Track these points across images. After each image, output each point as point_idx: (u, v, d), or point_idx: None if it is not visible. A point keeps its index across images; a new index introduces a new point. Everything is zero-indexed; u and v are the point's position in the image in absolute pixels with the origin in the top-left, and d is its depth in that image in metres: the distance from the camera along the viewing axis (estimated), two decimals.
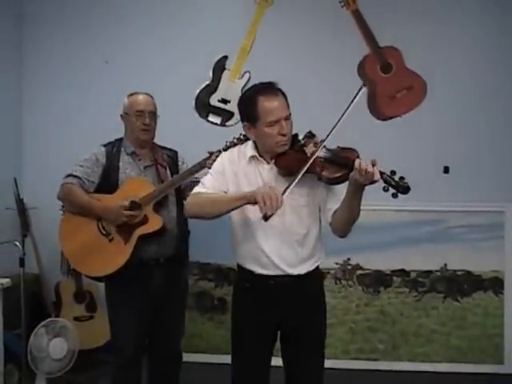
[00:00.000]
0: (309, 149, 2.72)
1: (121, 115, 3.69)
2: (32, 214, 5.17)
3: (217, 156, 3.13)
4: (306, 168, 2.65)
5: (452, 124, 5.02)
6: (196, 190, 2.88)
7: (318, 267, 2.95)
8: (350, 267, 5.01)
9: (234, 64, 5.16)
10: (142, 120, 3.59)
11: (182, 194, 3.59)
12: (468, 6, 5.03)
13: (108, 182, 3.55)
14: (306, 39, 5.09)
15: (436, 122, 5.01)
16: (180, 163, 3.77)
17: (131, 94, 3.70)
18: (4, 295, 3.68)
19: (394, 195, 2.49)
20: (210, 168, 3.06)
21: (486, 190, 4.93)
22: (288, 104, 2.80)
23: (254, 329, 2.91)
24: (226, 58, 5.17)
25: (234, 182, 2.86)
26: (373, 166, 2.45)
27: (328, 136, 2.69)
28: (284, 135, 2.73)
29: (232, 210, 2.74)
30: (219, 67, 5.17)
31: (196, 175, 3.54)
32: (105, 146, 3.66)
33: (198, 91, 5.19)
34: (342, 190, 2.69)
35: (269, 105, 2.72)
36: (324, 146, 2.70)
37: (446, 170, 5.03)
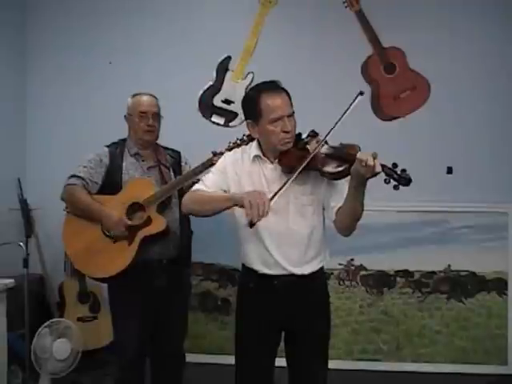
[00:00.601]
0: (311, 146, 2.72)
1: (125, 116, 3.69)
2: (36, 215, 5.17)
3: (220, 157, 3.13)
4: (303, 166, 2.65)
5: (455, 125, 5.02)
6: (195, 187, 2.91)
7: (322, 267, 2.95)
8: (353, 268, 5.01)
9: (238, 65, 5.16)
10: (145, 121, 3.58)
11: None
12: (470, 8, 5.03)
13: (111, 182, 3.55)
14: (310, 40, 5.10)
15: (439, 122, 5.01)
16: (183, 164, 3.76)
17: (135, 95, 3.69)
18: (8, 296, 3.68)
19: (396, 187, 2.49)
20: None
21: (490, 190, 4.92)
22: (291, 102, 2.80)
23: (258, 329, 2.91)
24: (229, 58, 5.17)
25: (236, 181, 2.87)
26: (374, 158, 2.45)
27: (329, 133, 2.70)
28: (287, 132, 2.73)
29: (223, 209, 2.76)
30: (223, 68, 5.18)
31: (199, 176, 3.53)
32: (108, 146, 3.66)
33: (201, 92, 5.20)
34: (345, 187, 2.69)
35: (272, 102, 2.73)
36: (326, 143, 2.71)
37: (450, 170, 5.03)
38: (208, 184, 2.88)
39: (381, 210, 4.90)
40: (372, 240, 4.92)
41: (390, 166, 2.50)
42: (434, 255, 4.94)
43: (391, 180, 2.48)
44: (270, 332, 2.91)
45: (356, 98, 2.70)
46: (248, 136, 3.11)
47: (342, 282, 5.01)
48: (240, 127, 3.00)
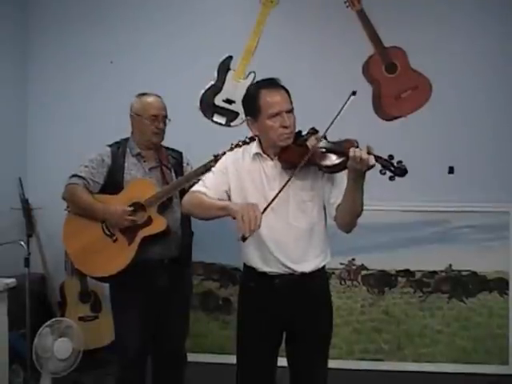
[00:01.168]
0: (310, 143, 2.74)
1: (131, 115, 3.67)
2: (37, 214, 5.18)
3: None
4: (300, 165, 2.67)
5: (457, 124, 5.02)
6: (195, 187, 2.93)
7: (324, 267, 2.94)
8: (354, 267, 5.01)
9: (239, 64, 5.16)
10: (155, 124, 3.58)
11: None
12: (471, 7, 5.03)
13: (113, 182, 3.55)
14: (311, 39, 5.10)
15: (441, 122, 5.01)
16: (185, 164, 3.76)
17: (141, 95, 3.67)
18: (9, 295, 3.68)
19: (391, 178, 2.50)
20: None
21: (491, 190, 4.92)
22: (291, 100, 2.83)
23: (259, 329, 2.91)
24: (230, 58, 5.17)
25: (237, 179, 2.89)
26: (368, 151, 2.46)
27: (327, 130, 2.71)
28: (286, 127, 2.75)
29: (218, 217, 2.78)
30: (224, 67, 5.18)
31: (201, 177, 3.53)
32: (110, 146, 3.65)
33: (202, 91, 5.20)
34: (345, 183, 2.70)
35: (270, 98, 2.77)
36: (325, 139, 2.72)
37: (451, 170, 5.03)
38: (208, 184, 2.90)
39: (382, 210, 4.91)
40: (373, 240, 4.92)
41: (386, 157, 2.50)
42: (435, 255, 4.94)
43: (387, 171, 2.48)
44: (270, 332, 2.91)
45: (349, 98, 2.70)
46: (250, 138, 3.11)
47: (343, 282, 5.01)
48: (241, 127, 3.00)
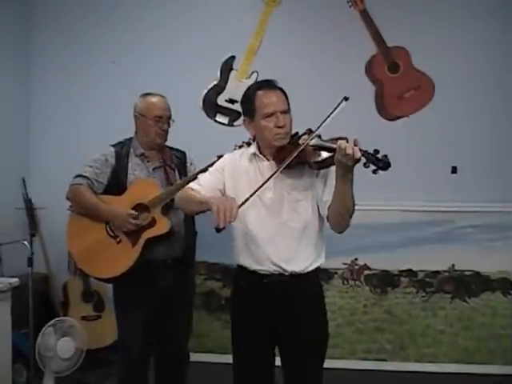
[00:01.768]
0: (302, 141, 2.75)
1: (135, 115, 3.66)
2: (40, 214, 5.19)
3: None
4: (290, 160, 2.68)
5: (459, 124, 5.02)
6: (190, 185, 2.95)
7: (317, 269, 2.92)
8: (357, 267, 5.01)
9: (242, 64, 5.17)
10: (160, 125, 3.58)
11: None
12: (474, 7, 5.03)
13: (116, 182, 3.54)
14: (314, 39, 5.10)
15: (444, 121, 5.01)
16: (188, 165, 3.75)
17: (146, 95, 3.66)
18: (12, 295, 3.68)
19: (375, 171, 2.49)
20: None
21: (494, 190, 4.92)
22: (288, 101, 2.86)
23: (250, 329, 2.92)
24: (233, 57, 5.18)
25: (232, 179, 2.91)
26: (354, 145, 2.46)
27: (317, 129, 2.71)
28: (280, 127, 2.77)
29: (200, 212, 2.81)
30: (227, 67, 5.18)
31: None
32: (114, 146, 3.64)
33: (205, 91, 5.21)
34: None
35: (265, 99, 2.81)
36: (320, 138, 2.73)
37: (454, 170, 5.03)
38: (202, 182, 2.92)
39: (385, 210, 4.91)
40: (376, 239, 4.92)
41: (371, 151, 2.50)
42: (438, 255, 4.93)
43: (370, 164, 2.48)
44: (261, 331, 2.90)
45: (340, 103, 2.70)
46: (254, 140, 3.11)
47: (345, 282, 5.01)
48: (244, 127, 3.01)
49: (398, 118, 5.09)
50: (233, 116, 5.10)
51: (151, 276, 3.47)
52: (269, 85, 2.87)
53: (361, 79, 5.03)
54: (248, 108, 2.88)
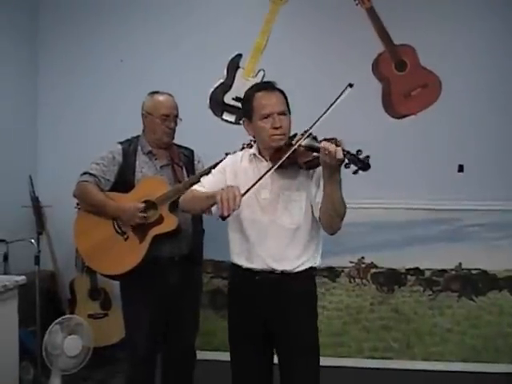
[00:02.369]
0: (295, 142, 2.76)
1: (142, 114, 3.67)
2: (47, 212, 5.20)
3: None
4: (282, 160, 2.70)
5: (466, 122, 5.01)
6: (193, 187, 3.01)
7: (310, 269, 2.92)
8: (364, 266, 5.00)
9: (248, 62, 5.16)
10: (166, 124, 3.59)
11: None
12: (481, 4, 5.02)
13: (124, 180, 3.55)
14: (321, 37, 5.09)
15: (450, 120, 5.00)
16: (196, 162, 3.77)
17: (153, 94, 3.68)
18: (19, 292, 3.68)
19: (355, 172, 2.48)
20: None
21: (501, 188, 4.91)
22: (287, 103, 2.89)
23: (246, 326, 2.95)
24: (240, 56, 5.17)
25: (233, 180, 2.92)
26: (337, 145, 2.46)
27: (311, 127, 2.71)
28: (276, 128, 2.80)
29: (208, 207, 2.84)
30: (233, 65, 5.18)
31: None
32: (121, 143, 3.66)
33: (212, 89, 5.21)
34: None
35: (263, 100, 2.84)
36: (315, 139, 2.72)
37: (461, 168, 5.01)
38: (204, 183, 2.98)
39: (392, 208, 4.91)
40: (383, 238, 4.92)
41: (354, 152, 2.49)
42: (444, 253, 4.93)
43: (351, 165, 2.47)
44: (256, 329, 2.92)
45: (345, 89, 2.70)
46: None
47: (352, 280, 5.01)
48: (244, 128, 3.01)
49: (405, 116, 5.07)
50: (239, 114, 5.09)
51: (158, 273, 3.48)
52: (267, 86, 2.91)
53: (368, 77, 5.02)
54: (247, 109, 2.93)
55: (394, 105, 5.08)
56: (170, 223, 3.46)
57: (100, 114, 5.29)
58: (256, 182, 2.69)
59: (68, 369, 4.29)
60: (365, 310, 5.00)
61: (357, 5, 5.05)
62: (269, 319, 2.89)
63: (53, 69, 5.42)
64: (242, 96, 5.08)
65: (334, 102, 2.70)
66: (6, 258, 4.61)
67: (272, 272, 2.85)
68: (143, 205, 3.46)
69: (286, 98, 2.89)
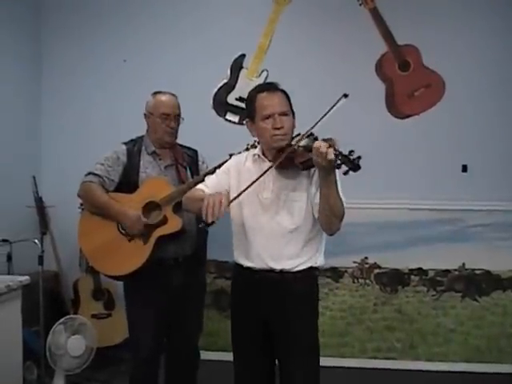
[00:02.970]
0: (294, 142, 2.77)
1: (144, 114, 3.68)
2: (51, 212, 5.21)
3: None
4: (279, 161, 2.73)
5: (470, 122, 5.00)
6: (197, 186, 3.04)
7: (310, 269, 2.92)
8: (367, 266, 5.00)
9: (252, 62, 5.16)
10: (167, 123, 3.59)
11: None
12: (484, 4, 5.01)
13: (128, 181, 3.55)
14: (324, 37, 5.09)
15: (454, 120, 5.00)
16: (200, 163, 3.76)
17: (156, 93, 3.68)
18: (23, 293, 3.69)
19: (345, 173, 2.48)
20: None
21: (505, 188, 4.91)
22: (290, 103, 2.90)
23: (247, 326, 2.97)
24: (243, 56, 5.17)
25: (237, 179, 2.97)
26: (330, 146, 2.47)
27: (312, 128, 2.72)
28: (278, 129, 2.81)
29: (200, 209, 2.79)
30: (237, 66, 5.18)
31: None
32: (126, 144, 3.65)
33: (215, 90, 5.21)
34: None
35: (265, 100, 2.86)
36: (315, 138, 2.71)
37: (465, 168, 5.01)
38: (208, 183, 3.02)
39: (395, 208, 4.91)
40: (386, 238, 4.91)
41: (346, 152, 2.48)
42: (448, 253, 4.92)
43: (342, 165, 2.47)
44: (257, 328, 2.94)
45: (339, 99, 2.72)
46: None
47: (356, 280, 5.01)
48: (247, 128, 3.01)
49: (409, 116, 5.07)
50: (243, 114, 5.09)
51: (162, 274, 3.48)
52: (270, 87, 2.93)
53: (371, 77, 5.02)
54: (249, 110, 2.95)
55: (398, 105, 5.08)
56: (174, 224, 3.45)
57: (103, 114, 5.29)
58: (245, 190, 2.72)
59: (71, 369, 4.30)
60: (368, 311, 5.00)
61: (360, 5, 5.05)
62: (269, 319, 2.90)
63: (56, 70, 5.42)
64: (245, 96, 5.11)
65: (328, 111, 2.72)
66: (9, 258, 4.61)
67: (271, 271, 2.87)
68: (145, 220, 3.46)
69: (288, 98, 2.90)
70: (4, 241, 4.56)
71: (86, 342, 4.35)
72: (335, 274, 4.95)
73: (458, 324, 4.93)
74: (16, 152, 5.06)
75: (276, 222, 2.86)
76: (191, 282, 3.59)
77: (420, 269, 4.97)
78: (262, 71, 5.14)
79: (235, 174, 2.99)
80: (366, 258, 4.98)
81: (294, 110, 2.92)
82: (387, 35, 5.01)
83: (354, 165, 2.43)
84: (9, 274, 4.47)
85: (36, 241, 4.49)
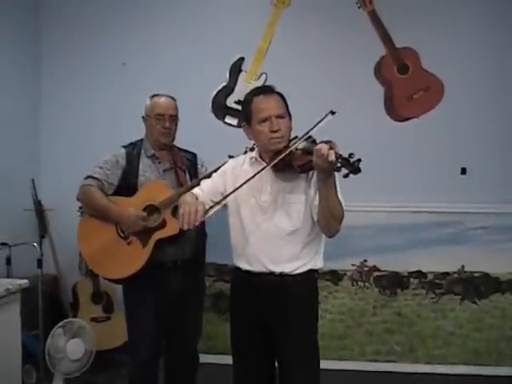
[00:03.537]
0: (292, 144, 2.77)
1: (143, 117, 3.69)
2: (50, 216, 5.21)
3: None
4: (273, 163, 2.74)
5: (469, 125, 5.01)
6: (193, 190, 3.03)
7: (309, 272, 2.92)
8: (366, 269, 5.00)
9: (251, 65, 5.17)
10: (161, 123, 3.59)
11: None
12: (484, 8, 5.02)
13: (127, 184, 3.55)
14: (323, 40, 5.10)
15: (453, 122, 5.00)
16: (199, 166, 3.77)
17: (153, 96, 3.69)
18: (22, 296, 3.68)
19: (346, 176, 2.48)
20: None
21: (504, 191, 4.91)
22: (287, 106, 2.90)
23: (247, 328, 2.97)
24: (242, 59, 5.18)
25: (233, 182, 2.95)
26: (330, 148, 2.46)
27: (306, 133, 2.72)
28: (274, 131, 2.80)
29: None
30: (236, 69, 5.19)
31: None
32: (125, 147, 3.66)
33: (214, 93, 5.21)
34: None
35: (261, 103, 2.86)
36: (313, 141, 2.72)
37: (463, 171, 5.01)
38: (203, 187, 3.03)
39: (394, 211, 4.90)
40: (385, 241, 4.91)
41: (346, 155, 2.48)
42: (447, 256, 4.92)
43: (343, 168, 2.47)
44: (257, 331, 2.94)
45: (325, 116, 2.71)
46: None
47: (355, 283, 5.01)
48: (244, 132, 3.02)
49: (407, 119, 5.08)
50: (242, 118, 5.10)
51: (161, 277, 3.48)
52: (266, 90, 2.92)
53: (370, 80, 5.02)
54: (246, 113, 2.95)
55: (397, 108, 5.08)
56: (172, 227, 3.45)
57: (102, 117, 5.29)
58: (237, 188, 2.76)
59: (71, 372, 4.30)
60: (367, 313, 5.00)
61: (359, 8, 5.06)
62: (269, 322, 2.90)
63: (55, 73, 5.42)
64: None
65: (313, 127, 2.72)
66: (8, 261, 4.60)
67: (270, 274, 2.87)
68: (144, 213, 3.46)
69: (285, 101, 2.90)
70: (3, 244, 4.56)
71: (85, 345, 4.35)
72: (334, 276, 4.95)
73: (457, 327, 4.93)
74: (15, 155, 5.06)
75: (274, 224, 2.86)
76: (190, 285, 3.59)
77: (419, 271, 4.97)
78: (261, 74, 5.14)
79: (232, 177, 2.98)
80: (365, 260, 4.98)
81: (293, 113, 2.92)
82: (386, 38, 5.02)
83: (354, 168, 2.43)
84: (8, 277, 4.46)
85: (35, 244, 4.49)
